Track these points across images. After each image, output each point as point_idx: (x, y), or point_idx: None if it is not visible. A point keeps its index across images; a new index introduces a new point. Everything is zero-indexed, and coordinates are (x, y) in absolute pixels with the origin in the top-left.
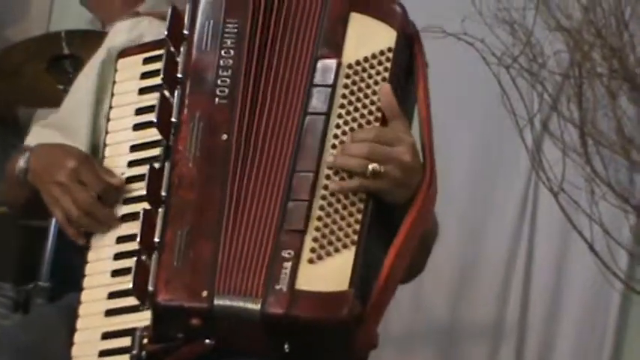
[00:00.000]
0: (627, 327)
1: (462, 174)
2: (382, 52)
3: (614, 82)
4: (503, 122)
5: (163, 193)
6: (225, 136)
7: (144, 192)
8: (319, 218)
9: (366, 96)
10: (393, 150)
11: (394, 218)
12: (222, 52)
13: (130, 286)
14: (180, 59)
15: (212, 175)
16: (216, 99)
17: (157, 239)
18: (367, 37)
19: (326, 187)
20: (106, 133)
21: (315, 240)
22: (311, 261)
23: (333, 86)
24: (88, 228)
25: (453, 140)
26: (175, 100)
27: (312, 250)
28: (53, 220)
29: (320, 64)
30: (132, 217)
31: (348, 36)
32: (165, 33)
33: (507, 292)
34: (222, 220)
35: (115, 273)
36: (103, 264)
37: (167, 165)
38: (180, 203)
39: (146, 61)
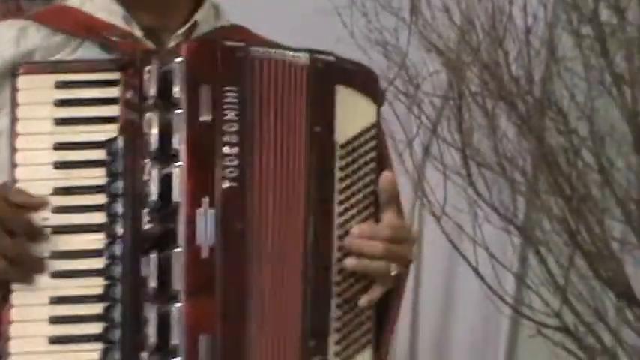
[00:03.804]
0: (517, 349)
1: None
2: (368, 129)
3: (490, 101)
4: None
5: (177, 288)
6: (239, 226)
7: (76, 246)
8: (338, 318)
9: (360, 178)
10: (402, 249)
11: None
12: (225, 126)
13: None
14: (176, 128)
15: (232, 272)
16: (226, 182)
17: (174, 342)
18: (352, 113)
19: (338, 283)
20: (14, 166)
21: (337, 343)
22: None
23: (332, 170)
24: (13, 279)
25: None
26: (176, 177)
27: (337, 354)
28: None
29: (317, 144)
30: (64, 275)
31: (336, 112)
32: (155, 94)
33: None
34: (248, 322)
35: (56, 340)
36: (37, 327)
37: (177, 252)
38: (200, 302)
39: (60, 84)
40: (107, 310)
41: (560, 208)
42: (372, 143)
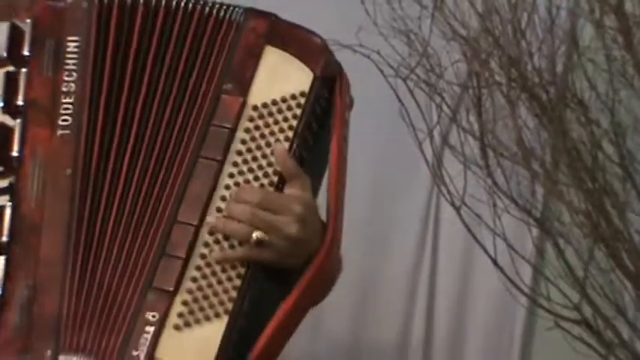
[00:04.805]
0: (533, 342)
1: (361, 190)
2: (294, 97)
3: (512, 92)
4: (403, 136)
5: (4, 239)
6: (69, 171)
7: None
8: (194, 279)
9: (268, 144)
10: (276, 219)
11: (289, 281)
12: (65, 75)
13: None
14: (22, 84)
15: (57, 217)
16: (58, 130)
17: None
18: (280, 77)
19: (207, 245)
20: None
21: (184, 304)
22: (177, 327)
23: (233, 129)
24: None
25: (351, 156)
26: (17, 133)
27: (180, 315)
28: None
29: (222, 100)
30: None
31: (258, 73)
32: (5, 54)
33: (411, 310)
34: (69, 270)
35: None
36: None
37: (9, 205)
38: (25, 250)
39: None
40: None
41: (581, 200)
42: (296, 111)
